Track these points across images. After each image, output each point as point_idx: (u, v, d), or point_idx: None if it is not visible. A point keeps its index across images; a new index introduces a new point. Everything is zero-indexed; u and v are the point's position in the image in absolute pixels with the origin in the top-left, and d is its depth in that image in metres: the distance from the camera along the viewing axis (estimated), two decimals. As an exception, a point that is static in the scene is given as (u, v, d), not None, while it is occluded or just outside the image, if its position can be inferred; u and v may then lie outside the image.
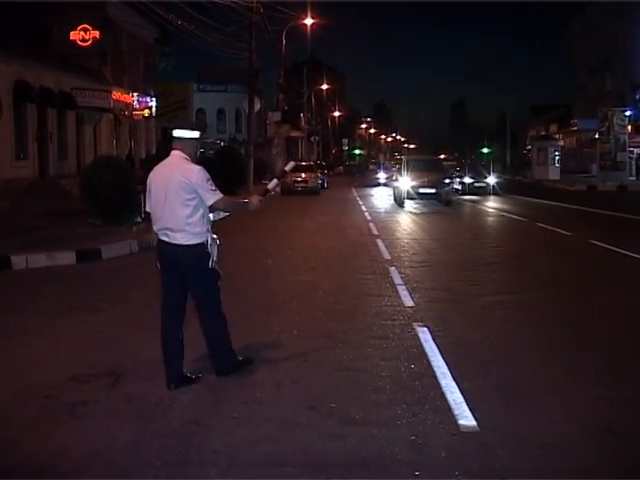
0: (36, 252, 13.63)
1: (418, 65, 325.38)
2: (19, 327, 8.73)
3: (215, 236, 6.48)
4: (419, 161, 34.94)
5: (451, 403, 5.92)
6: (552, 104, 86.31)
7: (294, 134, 75.75)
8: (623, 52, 57.88)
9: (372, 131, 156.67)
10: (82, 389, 6.35)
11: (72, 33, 34.33)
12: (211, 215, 6.55)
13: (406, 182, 31.11)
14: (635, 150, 52.38)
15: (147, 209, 6.62)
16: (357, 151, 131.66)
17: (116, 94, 37.66)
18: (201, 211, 6.32)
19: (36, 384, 6.48)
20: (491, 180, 40.32)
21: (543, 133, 76.48)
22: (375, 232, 19.51)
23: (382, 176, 54.31)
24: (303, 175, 38.73)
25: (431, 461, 4.89)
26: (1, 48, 27.00)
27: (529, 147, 74.57)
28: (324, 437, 5.27)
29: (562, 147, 63.53)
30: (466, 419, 5.58)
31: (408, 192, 30.81)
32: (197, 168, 6.30)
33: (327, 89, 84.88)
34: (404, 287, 11.13)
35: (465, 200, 34.63)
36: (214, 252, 6.41)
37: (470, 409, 5.75)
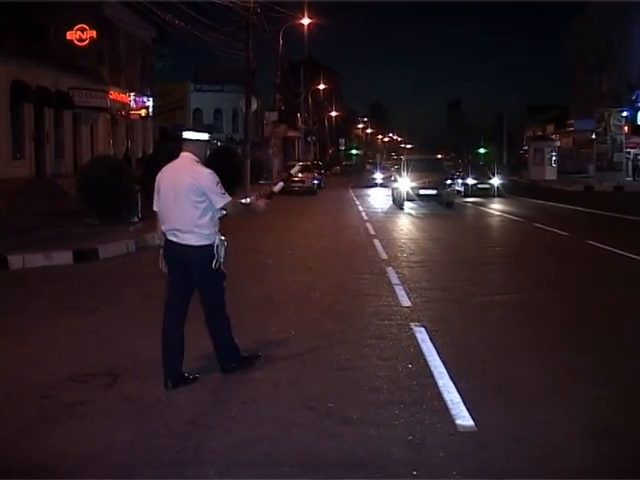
0: (33, 252, 13.62)
1: (415, 65, 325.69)
2: (16, 327, 8.73)
3: (223, 237, 6.54)
4: (419, 161, 33.32)
5: (448, 403, 5.93)
6: (549, 104, 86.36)
7: (291, 134, 75.71)
8: (620, 53, 57.94)
9: (369, 131, 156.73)
10: (80, 389, 6.35)
11: (69, 33, 34.28)
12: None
13: (406, 183, 29.90)
14: (632, 151, 52.45)
15: (155, 208, 6.65)
16: (354, 151, 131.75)
17: (113, 94, 37.63)
18: (210, 213, 6.39)
19: (34, 384, 6.48)
20: (495, 181, 38.32)
21: (540, 133, 76.43)
22: (372, 232, 19.52)
23: (379, 176, 53.75)
24: (300, 175, 38.73)
25: (429, 461, 4.90)
26: (-2, 48, 26.99)
27: (526, 147, 74.65)
28: (322, 437, 5.27)
29: (559, 147, 63.59)
30: (463, 419, 5.59)
31: (408, 193, 29.60)
32: (207, 171, 6.37)
33: (324, 89, 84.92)
34: (401, 287, 11.14)
35: (468, 202, 33.50)
36: (221, 253, 6.46)
37: (467, 409, 5.76)
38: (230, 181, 30.11)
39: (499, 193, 37.26)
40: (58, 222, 18.64)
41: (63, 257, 13.69)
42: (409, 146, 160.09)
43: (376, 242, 17.05)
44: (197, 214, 6.31)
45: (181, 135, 6.57)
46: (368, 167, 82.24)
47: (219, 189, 6.35)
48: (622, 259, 14.35)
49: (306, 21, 49.57)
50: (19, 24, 30.52)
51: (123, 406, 5.96)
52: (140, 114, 42.98)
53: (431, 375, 6.69)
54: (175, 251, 6.44)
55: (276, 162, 55.31)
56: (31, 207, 22.38)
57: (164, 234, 6.53)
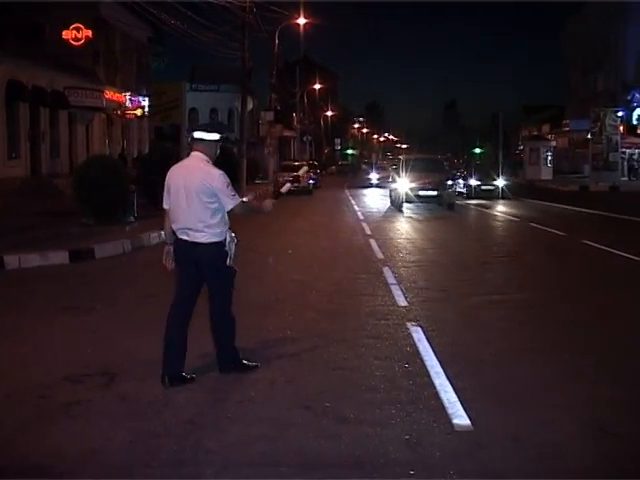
0: (29, 252, 13.60)
1: (411, 66, 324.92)
2: (13, 327, 8.72)
3: (233, 234, 6.61)
4: (418, 160, 31.76)
5: (445, 402, 5.94)
6: (545, 104, 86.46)
7: (287, 134, 75.76)
8: (615, 53, 58.09)
9: (365, 131, 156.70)
10: (76, 389, 6.35)
11: (64, 32, 34.19)
12: None
13: (404, 184, 28.47)
14: (627, 151, 52.55)
15: (165, 206, 6.69)
16: (350, 151, 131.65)
17: (109, 93, 37.59)
18: (221, 213, 6.45)
19: (30, 384, 6.47)
20: (500, 182, 36.30)
21: (535, 133, 76.56)
22: (368, 232, 19.54)
23: (374, 176, 52.89)
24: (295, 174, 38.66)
25: (425, 460, 4.90)
26: (-6, 47, 26.96)
27: (521, 147, 74.64)
28: (318, 436, 5.28)
29: (554, 147, 63.60)
30: (460, 418, 5.60)
31: (407, 194, 28.15)
32: (218, 173, 6.41)
33: (320, 89, 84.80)
34: (397, 287, 11.15)
35: (471, 204, 32.08)
36: (232, 250, 6.56)
37: (464, 408, 5.77)
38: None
39: (504, 194, 35.52)
40: (54, 222, 18.64)
41: (59, 257, 13.67)
42: (405, 146, 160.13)
43: (372, 242, 17.05)
44: (208, 214, 6.37)
45: (192, 135, 6.61)
46: (364, 167, 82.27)
47: (230, 190, 6.40)
48: (617, 259, 14.37)
49: (302, 21, 49.61)
50: (15, 24, 30.48)
51: (120, 406, 5.96)
52: (136, 114, 42.94)
53: (428, 375, 6.70)
54: (186, 249, 6.48)
55: (272, 162, 55.27)
56: (27, 207, 22.36)
57: (174, 233, 6.57)
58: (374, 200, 36.04)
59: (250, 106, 42.54)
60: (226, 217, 6.54)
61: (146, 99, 45.44)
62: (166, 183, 6.63)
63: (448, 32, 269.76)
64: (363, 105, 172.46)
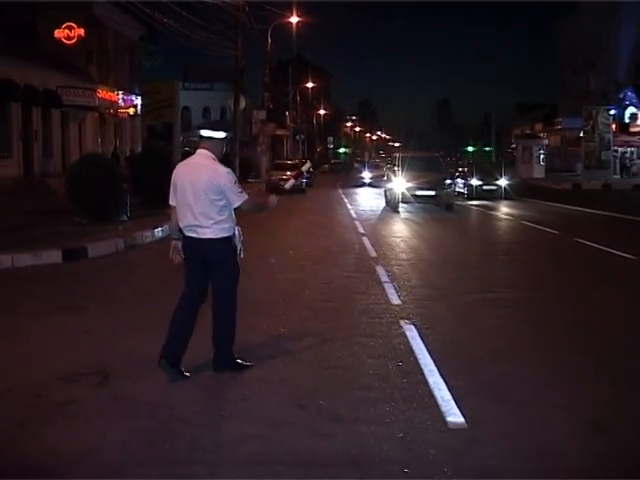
0: (22, 251, 13.56)
1: (404, 64, 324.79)
2: (7, 326, 8.69)
3: (241, 230, 6.67)
4: (415, 159, 30.25)
5: (439, 400, 5.96)
6: (537, 103, 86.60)
7: (279, 132, 75.73)
8: (607, 52, 58.25)
9: (357, 129, 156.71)
10: (71, 388, 6.34)
11: (57, 31, 34.13)
12: None
13: (400, 183, 27.21)
14: (619, 149, 52.71)
15: (171, 203, 6.75)
16: (342, 149, 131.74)
17: (101, 92, 37.50)
18: (228, 210, 6.53)
19: (25, 383, 6.47)
20: (502, 182, 34.45)
21: (528, 132, 76.66)
22: (361, 230, 19.57)
23: (367, 175, 52.06)
24: (288, 173, 38.67)
25: (420, 458, 4.92)
26: (-14, 46, 26.89)
27: (514, 145, 74.74)
28: (313, 435, 5.29)
29: (547, 146, 63.72)
30: (454, 416, 5.61)
31: (403, 194, 26.88)
32: (225, 171, 6.49)
33: (312, 87, 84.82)
34: (391, 285, 11.16)
35: (472, 205, 30.57)
36: (238, 245, 6.63)
37: (458, 406, 5.79)
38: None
39: (507, 195, 33.79)
40: (47, 221, 18.59)
41: (52, 256, 13.64)
42: (397, 144, 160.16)
43: (365, 240, 17.09)
44: (216, 211, 6.44)
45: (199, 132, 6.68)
46: (356, 165, 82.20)
47: (237, 188, 6.48)
48: (613, 258, 14.42)
49: (295, 19, 49.59)
50: (6, 23, 30.42)
51: (115, 405, 5.96)
52: (128, 112, 42.86)
53: (421, 373, 6.72)
54: (194, 245, 6.55)
55: (264, 160, 55.21)
56: (19, 206, 22.30)
57: (181, 230, 6.64)
58: (367, 199, 36.00)
59: (243, 105, 42.54)
60: (233, 214, 6.61)
61: (139, 98, 45.39)
62: (172, 180, 6.70)
63: (442, 31, 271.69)
64: (356, 104, 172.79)
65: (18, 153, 30.09)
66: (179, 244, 6.71)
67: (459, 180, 36.83)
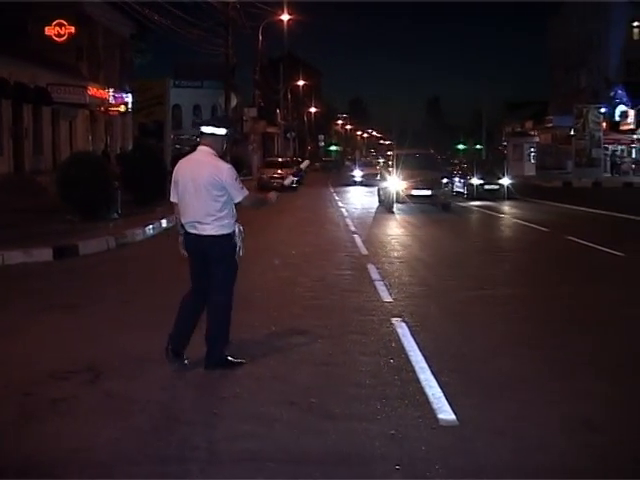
0: (12, 248, 13.52)
1: (395, 63, 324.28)
2: (-3, 324, 8.69)
3: (241, 227, 6.72)
4: (410, 156, 28.72)
5: (430, 397, 5.97)
6: (528, 101, 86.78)
7: (270, 130, 75.65)
8: (598, 50, 58.44)
9: (348, 127, 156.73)
10: (62, 386, 6.33)
11: (47, 28, 33.95)
12: None
13: (395, 182, 25.89)
14: (610, 147, 52.90)
15: (172, 199, 6.84)
16: (333, 147, 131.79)
17: (92, 90, 37.33)
18: (229, 206, 6.59)
19: (16, 381, 6.45)
20: (505, 181, 32.40)
21: (519, 129, 76.87)
22: (352, 228, 19.58)
23: (358, 174, 50.75)
24: (279, 171, 38.70)
25: (412, 455, 4.93)
26: (-25, 43, 26.76)
27: (505, 143, 74.93)
28: (304, 432, 5.30)
29: (537, 143, 63.96)
30: (445, 413, 5.63)
31: (398, 194, 25.54)
32: (227, 167, 6.57)
33: (303, 85, 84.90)
34: (382, 283, 11.18)
35: (473, 206, 28.87)
36: (238, 242, 6.67)
37: (449, 403, 5.80)
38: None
39: (510, 195, 31.81)
40: (37, 219, 18.55)
41: (43, 254, 13.61)
42: (388, 142, 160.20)
43: (356, 238, 17.11)
44: (217, 207, 6.49)
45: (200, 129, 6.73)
46: (347, 163, 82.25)
47: (238, 184, 6.57)
48: (609, 257, 14.47)
49: (286, 17, 49.59)
50: (-3, 20, 30.29)
51: (106, 403, 5.95)
52: (119, 110, 42.72)
53: (413, 370, 6.73)
54: (196, 242, 6.61)
55: (255, 158, 55.22)
56: (10, 204, 22.18)
57: (182, 226, 6.71)
58: (358, 197, 35.94)
59: (234, 102, 42.40)
60: (234, 210, 6.66)
61: (129, 95, 45.25)
62: (173, 177, 6.77)
63: (431, 30, 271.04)
64: (347, 101, 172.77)
65: (8, 150, 29.96)
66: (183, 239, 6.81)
67: (457, 179, 35.08)
